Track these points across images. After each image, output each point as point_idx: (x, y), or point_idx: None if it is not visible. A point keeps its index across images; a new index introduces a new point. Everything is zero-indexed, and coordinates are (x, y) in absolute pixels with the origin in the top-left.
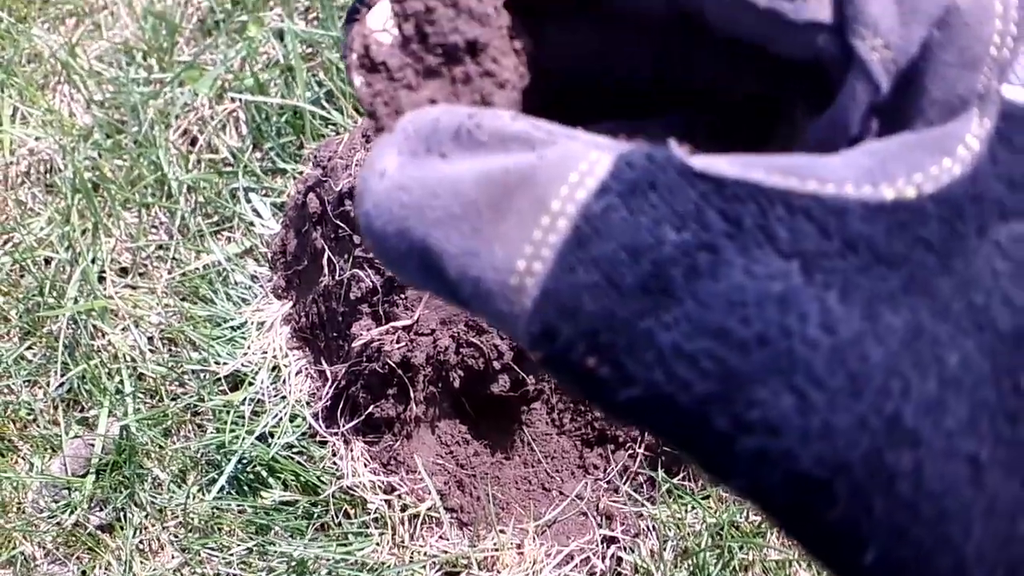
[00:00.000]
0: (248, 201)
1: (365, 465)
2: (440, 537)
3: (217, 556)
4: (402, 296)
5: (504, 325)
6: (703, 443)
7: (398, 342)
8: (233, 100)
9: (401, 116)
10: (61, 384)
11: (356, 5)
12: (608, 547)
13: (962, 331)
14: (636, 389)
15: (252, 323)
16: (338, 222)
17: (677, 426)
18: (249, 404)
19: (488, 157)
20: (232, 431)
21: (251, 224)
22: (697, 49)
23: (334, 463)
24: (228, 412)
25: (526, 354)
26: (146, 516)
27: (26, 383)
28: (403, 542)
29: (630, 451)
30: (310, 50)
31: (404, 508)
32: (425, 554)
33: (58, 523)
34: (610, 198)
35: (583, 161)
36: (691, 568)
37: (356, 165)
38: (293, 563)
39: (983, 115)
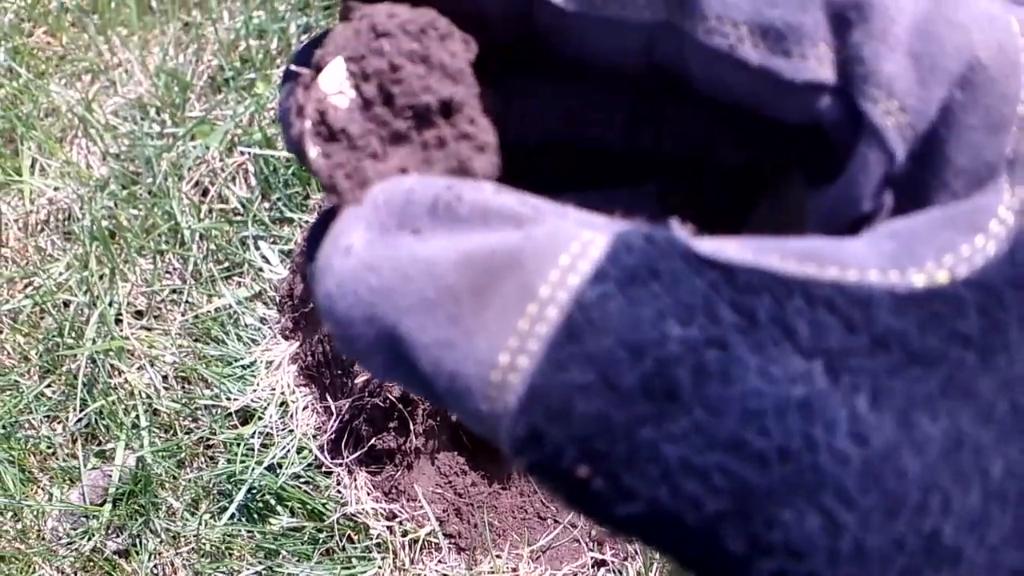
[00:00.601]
0: (257, 248)
1: (368, 493)
2: (439, 561)
3: None
4: None
5: (483, 425)
6: (713, 565)
7: None
8: (242, 153)
9: (367, 189)
10: (80, 419)
11: (294, 66)
12: (598, 570)
13: (1006, 436)
14: (636, 505)
15: (261, 362)
16: None
17: (683, 545)
18: (258, 437)
19: (468, 235)
20: (242, 462)
21: (260, 270)
22: (673, 111)
23: (339, 492)
24: (238, 444)
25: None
26: (160, 542)
27: (46, 418)
28: (404, 566)
29: None
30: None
31: (405, 534)
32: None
33: (76, 549)
34: (606, 286)
35: (575, 242)
36: None
37: None
38: None
39: (1014, 183)
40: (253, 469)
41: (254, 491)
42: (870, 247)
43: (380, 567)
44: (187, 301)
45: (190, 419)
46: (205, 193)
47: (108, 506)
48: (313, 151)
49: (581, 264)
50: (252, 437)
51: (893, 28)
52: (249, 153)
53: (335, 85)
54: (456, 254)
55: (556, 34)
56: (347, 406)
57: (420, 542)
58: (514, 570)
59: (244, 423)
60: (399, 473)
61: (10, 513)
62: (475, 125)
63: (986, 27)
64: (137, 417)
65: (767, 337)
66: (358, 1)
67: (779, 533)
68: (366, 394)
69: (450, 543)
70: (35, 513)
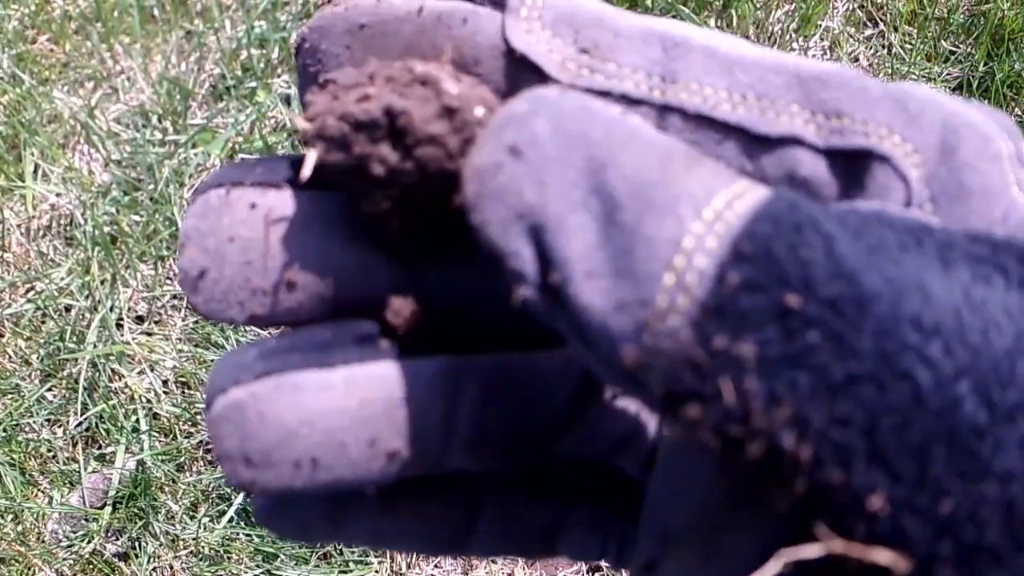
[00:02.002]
0: None
1: None
2: (435, 565)
3: None
4: None
5: (666, 260)
6: (947, 444)
7: None
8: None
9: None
10: (80, 423)
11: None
12: (593, 575)
13: None
14: (857, 363)
15: None
16: None
17: (909, 420)
18: None
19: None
20: None
21: None
22: None
23: None
24: None
25: (661, 330)
26: (160, 545)
27: (47, 422)
28: (400, 570)
29: None
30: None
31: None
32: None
33: (76, 551)
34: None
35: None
36: None
37: None
38: None
39: None
40: None
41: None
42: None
43: (377, 571)
44: (187, 307)
45: (190, 423)
46: None
47: (108, 509)
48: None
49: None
50: None
51: (870, 91)
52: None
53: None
54: (666, 137)
55: None
56: None
57: None
58: (509, 574)
59: None
60: None
61: (10, 515)
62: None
63: (948, 98)
64: (137, 421)
65: (956, 253)
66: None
67: (1017, 393)
68: None
69: None
70: (35, 516)
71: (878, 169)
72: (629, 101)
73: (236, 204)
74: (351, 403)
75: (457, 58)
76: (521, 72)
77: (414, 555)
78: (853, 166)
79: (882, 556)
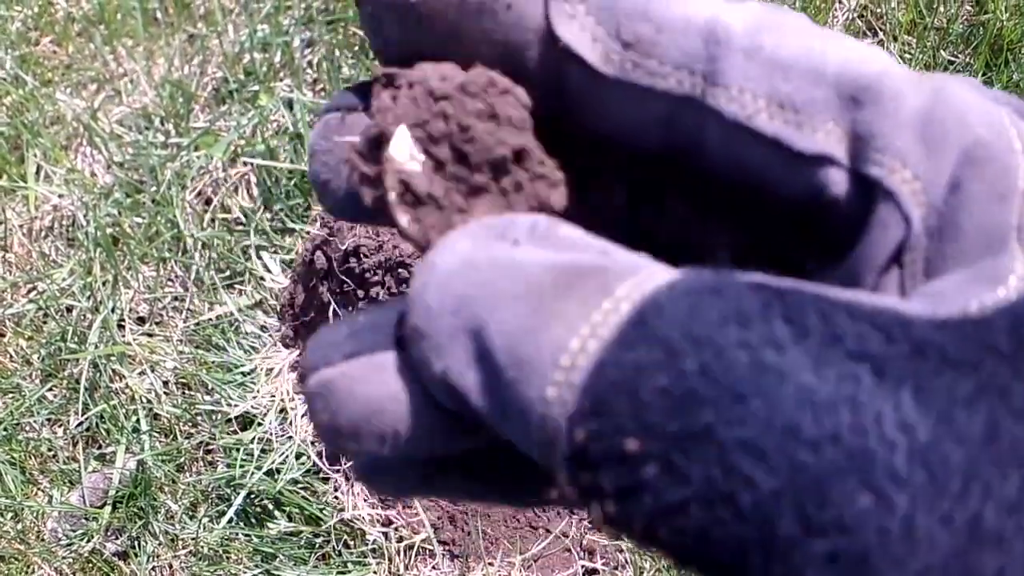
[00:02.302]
0: (259, 258)
1: (364, 500)
2: (433, 567)
3: None
4: None
5: (539, 414)
6: (764, 551)
7: None
8: (245, 164)
9: None
10: (81, 423)
11: (323, 130)
12: None
13: None
14: (687, 489)
15: (261, 369)
16: (343, 277)
17: (732, 532)
18: (258, 443)
19: (559, 253)
20: (241, 467)
21: (261, 279)
22: (674, 194)
23: (336, 497)
24: (238, 450)
25: (554, 463)
26: (159, 544)
27: (47, 421)
28: (399, 571)
29: None
30: (317, 118)
31: (400, 539)
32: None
33: (75, 550)
34: (676, 293)
35: (653, 268)
36: None
37: (359, 226)
38: None
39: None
40: (252, 474)
41: (253, 496)
42: (902, 302)
43: (375, 572)
44: (188, 308)
45: (190, 424)
46: (208, 202)
47: (108, 508)
48: (404, 219)
49: (658, 275)
50: (251, 443)
51: (901, 110)
52: (252, 164)
53: (405, 153)
54: (547, 260)
55: (582, 100)
56: None
57: (415, 548)
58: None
59: (244, 429)
60: None
61: (10, 514)
62: (545, 165)
63: (983, 113)
64: (138, 421)
65: (817, 344)
66: (396, 68)
67: (831, 511)
68: None
69: (444, 550)
70: (35, 514)
71: (885, 204)
72: (670, 98)
73: (352, 127)
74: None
75: (503, 48)
76: (566, 61)
77: (501, 506)
78: (869, 191)
79: None
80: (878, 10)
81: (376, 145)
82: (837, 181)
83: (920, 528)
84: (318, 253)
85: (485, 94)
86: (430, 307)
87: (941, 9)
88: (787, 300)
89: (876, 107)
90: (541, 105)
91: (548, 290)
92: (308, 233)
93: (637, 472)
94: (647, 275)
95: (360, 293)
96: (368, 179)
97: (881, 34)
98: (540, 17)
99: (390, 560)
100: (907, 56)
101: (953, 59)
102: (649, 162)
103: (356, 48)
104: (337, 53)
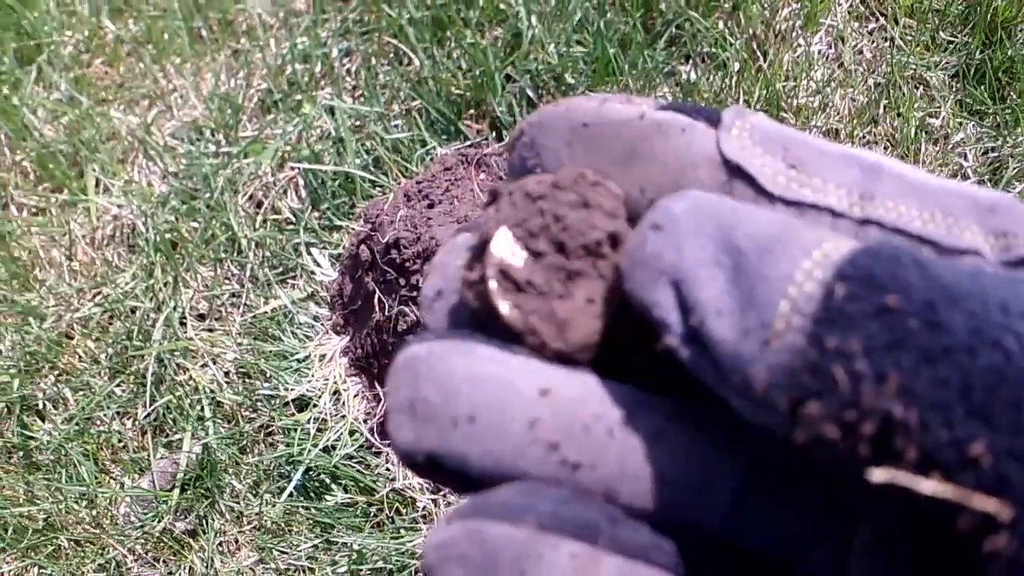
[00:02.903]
0: (309, 254)
1: None
2: None
3: (288, 553)
4: None
5: (775, 284)
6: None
7: None
8: (292, 168)
9: (561, 327)
10: (148, 414)
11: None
12: None
13: None
14: (950, 338)
15: (315, 356)
16: (386, 268)
17: (998, 375)
18: (314, 423)
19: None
20: (299, 445)
21: (312, 273)
22: (787, 492)
23: (388, 469)
24: (296, 430)
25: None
26: (226, 522)
27: (117, 414)
28: None
29: None
30: (358, 123)
31: (449, 504)
32: None
33: (147, 531)
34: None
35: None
36: None
37: (399, 220)
38: (353, 555)
39: None
40: (309, 451)
41: (311, 471)
42: None
43: (426, 536)
44: (245, 304)
45: (251, 409)
46: (259, 205)
47: (176, 491)
48: (505, 306)
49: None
50: (308, 423)
51: None
52: (299, 168)
53: (506, 249)
54: (774, 215)
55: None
56: None
57: None
58: None
59: (300, 411)
60: None
61: (85, 502)
62: None
63: None
64: (202, 409)
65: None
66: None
67: None
68: None
69: None
70: (108, 500)
71: None
72: (833, 214)
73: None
74: (522, 382)
75: (675, 166)
76: (735, 180)
77: None
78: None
79: (986, 503)
80: None
81: (481, 251)
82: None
83: None
84: (363, 247)
85: (576, 186)
86: (674, 212)
87: None
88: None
89: (1011, 213)
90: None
91: (797, 223)
92: (353, 229)
93: (898, 327)
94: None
95: (401, 281)
96: (472, 282)
97: (883, 19)
98: (710, 143)
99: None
100: (908, 38)
101: (952, 39)
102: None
103: (391, 55)
104: (373, 61)
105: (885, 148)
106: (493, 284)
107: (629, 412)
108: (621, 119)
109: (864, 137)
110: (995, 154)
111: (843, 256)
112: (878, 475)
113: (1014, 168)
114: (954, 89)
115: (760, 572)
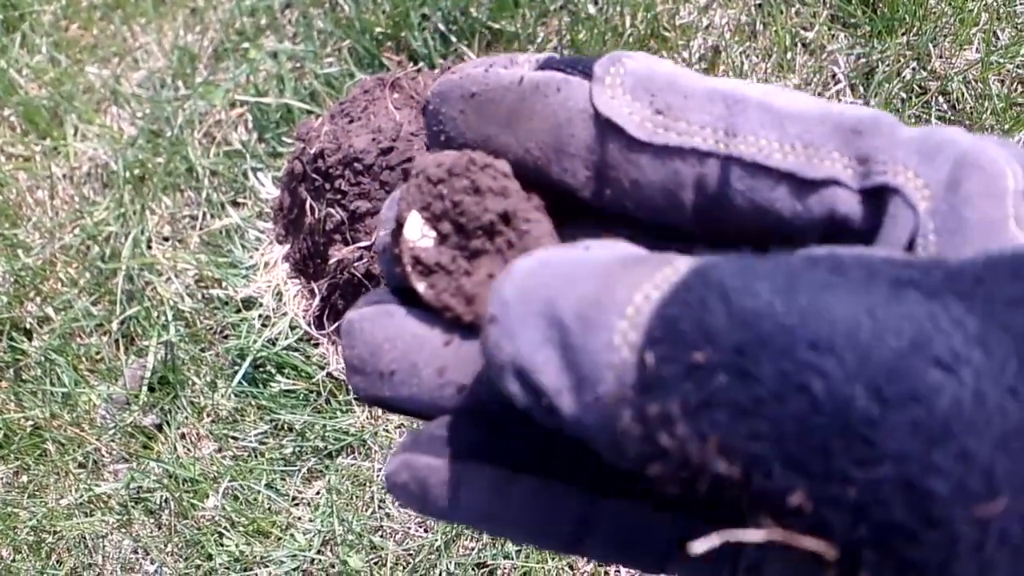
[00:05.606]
0: (256, 177)
1: None
2: None
3: (241, 438)
4: (363, 224)
5: (607, 362)
6: (842, 437)
7: (362, 259)
8: (241, 104)
9: (469, 300)
10: (123, 322)
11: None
12: None
13: None
14: (760, 388)
15: (260, 263)
16: (314, 176)
17: (809, 424)
18: (259, 320)
19: (627, 249)
20: (247, 338)
21: (258, 193)
22: (702, 250)
23: (322, 356)
24: (244, 325)
25: (622, 426)
26: (187, 416)
27: (94, 329)
28: (378, 413)
29: None
30: (297, 64)
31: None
32: (390, 420)
33: (120, 427)
34: (730, 257)
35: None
36: None
37: (324, 135)
38: (297, 437)
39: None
40: (255, 342)
41: (258, 362)
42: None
43: (358, 415)
44: (202, 224)
45: (207, 316)
46: (213, 139)
47: (144, 390)
48: (421, 286)
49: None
50: (255, 320)
51: (897, 135)
52: (247, 103)
53: (416, 232)
54: (617, 253)
55: (621, 171)
56: (325, 285)
57: None
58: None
59: (247, 309)
60: None
61: (67, 408)
62: (530, 222)
63: (967, 136)
64: (166, 318)
65: (861, 277)
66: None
67: (905, 384)
68: (337, 272)
69: None
70: (87, 404)
71: (892, 201)
72: (699, 154)
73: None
74: (433, 338)
75: (553, 125)
76: (607, 131)
77: (529, 548)
78: (877, 200)
79: (812, 544)
80: None
81: (399, 230)
82: (845, 199)
83: (990, 398)
84: (296, 162)
85: (468, 172)
86: (504, 298)
87: None
88: (828, 258)
89: (875, 134)
90: (587, 185)
91: (617, 269)
92: (291, 152)
93: (709, 382)
94: (706, 257)
95: (327, 186)
96: (397, 259)
97: None
98: (585, 96)
99: (376, 418)
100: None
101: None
102: (683, 238)
103: (325, 5)
104: (311, 11)
105: (764, 59)
106: (408, 269)
107: None
108: (503, 84)
109: (744, 52)
110: (864, 60)
111: (654, 309)
112: (697, 546)
113: (883, 71)
114: (828, 5)
115: None
